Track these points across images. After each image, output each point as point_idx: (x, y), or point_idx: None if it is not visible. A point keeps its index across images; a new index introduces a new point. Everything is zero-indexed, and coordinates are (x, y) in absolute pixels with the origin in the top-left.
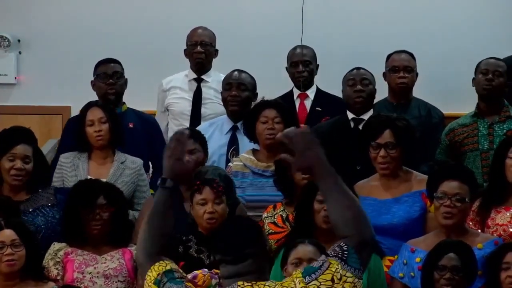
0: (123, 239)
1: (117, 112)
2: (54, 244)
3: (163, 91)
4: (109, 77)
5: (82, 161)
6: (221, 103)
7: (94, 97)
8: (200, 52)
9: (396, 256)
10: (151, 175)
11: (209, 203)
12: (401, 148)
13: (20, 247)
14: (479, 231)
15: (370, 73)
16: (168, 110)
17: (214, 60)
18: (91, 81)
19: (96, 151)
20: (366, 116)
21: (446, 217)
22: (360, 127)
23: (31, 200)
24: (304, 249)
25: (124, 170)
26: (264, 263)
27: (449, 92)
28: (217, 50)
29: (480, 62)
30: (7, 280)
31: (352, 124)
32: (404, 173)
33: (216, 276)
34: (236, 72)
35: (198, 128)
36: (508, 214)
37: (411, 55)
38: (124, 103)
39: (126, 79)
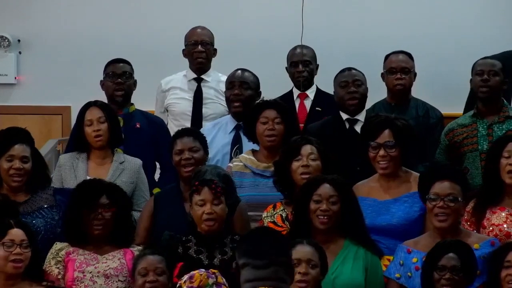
0: (125, 239)
1: (125, 112)
2: (56, 244)
3: (162, 91)
4: (118, 76)
5: (81, 162)
6: (222, 103)
7: (94, 97)
8: (201, 51)
9: (392, 257)
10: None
11: (207, 204)
12: (400, 148)
13: (28, 248)
14: (474, 231)
15: (361, 73)
16: (167, 110)
17: (214, 60)
18: (100, 81)
19: (95, 151)
20: (360, 116)
21: (440, 219)
22: (356, 127)
23: (30, 202)
24: (302, 250)
25: (123, 170)
26: (287, 275)
27: (449, 92)
28: (215, 50)
29: (475, 63)
30: (8, 280)
31: (347, 125)
32: (403, 174)
33: (213, 275)
34: (239, 71)
35: (202, 129)
36: (503, 214)
37: (409, 55)
38: (132, 104)
39: (136, 80)
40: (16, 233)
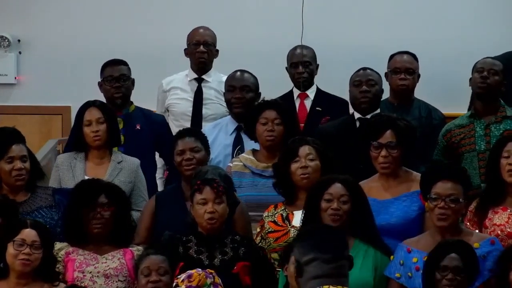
0: (125, 239)
1: (125, 112)
2: (56, 244)
3: (163, 91)
4: (116, 80)
5: (79, 161)
6: (222, 103)
7: (94, 97)
8: (203, 52)
9: (392, 257)
10: (165, 173)
11: (209, 203)
12: (402, 148)
13: (38, 249)
14: (477, 231)
15: (376, 73)
16: (168, 110)
17: (215, 60)
18: (98, 82)
19: (93, 151)
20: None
21: (441, 218)
22: None
23: (30, 202)
24: None
25: (121, 170)
26: (349, 270)
27: (450, 93)
28: (217, 50)
29: (476, 62)
30: (19, 279)
31: (358, 124)
32: (403, 173)
33: (211, 275)
34: (238, 73)
35: (202, 129)
36: (505, 214)
37: (414, 56)
38: (131, 102)
39: (133, 79)
40: (29, 233)
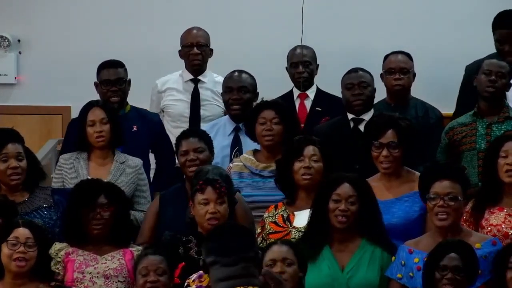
0: (125, 239)
1: (121, 114)
2: (55, 244)
3: (158, 92)
4: (112, 84)
5: (82, 162)
6: (219, 104)
7: (94, 97)
8: (197, 53)
9: (393, 257)
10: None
11: (211, 203)
12: (403, 148)
13: (33, 247)
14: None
15: (368, 73)
16: (164, 111)
17: (215, 61)
18: (95, 82)
19: (96, 151)
20: (366, 116)
21: (441, 218)
22: (360, 127)
23: (29, 202)
24: (277, 250)
25: (124, 170)
26: (255, 269)
27: (449, 93)
28: (211, 50)
29: (483, 62)
30: (15, 279)
31: (351, 124)
32: (405, 173)
33: None
34: (236, 74)
35: None
36: (501, 214)
37: (408, 55)
38: (127, 103)
39: (129, 79)
40: (22, 232)
